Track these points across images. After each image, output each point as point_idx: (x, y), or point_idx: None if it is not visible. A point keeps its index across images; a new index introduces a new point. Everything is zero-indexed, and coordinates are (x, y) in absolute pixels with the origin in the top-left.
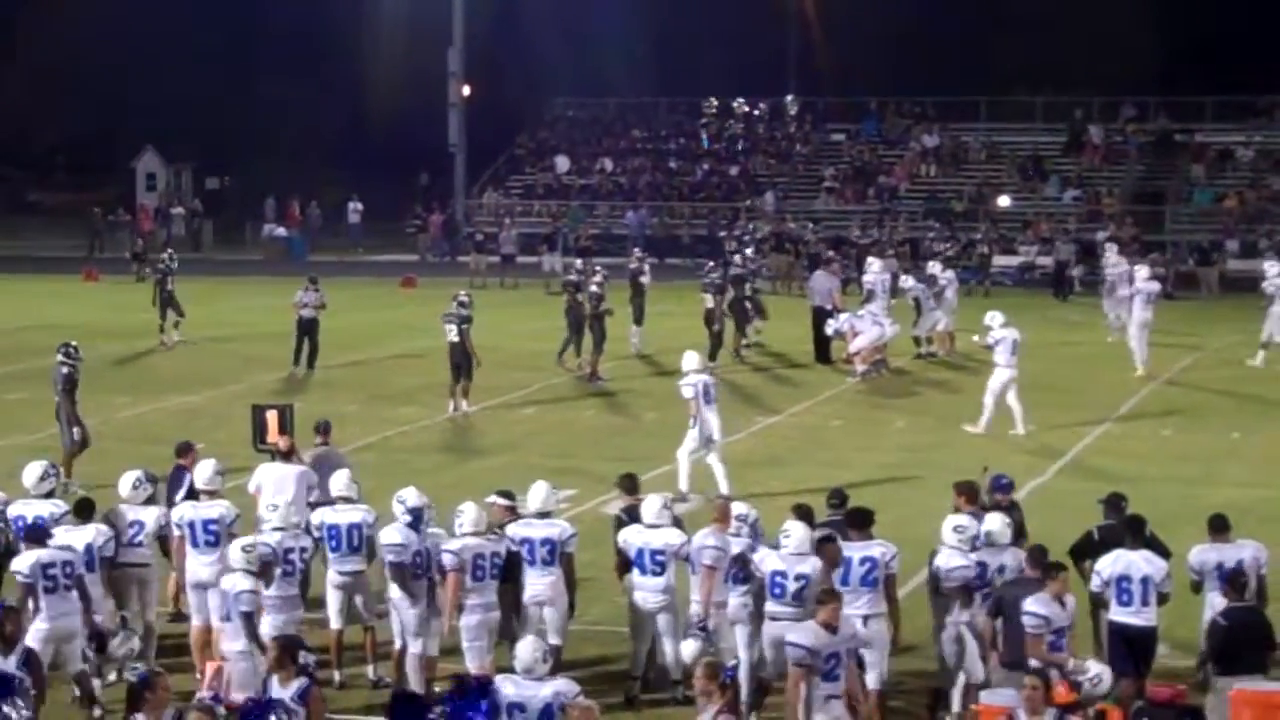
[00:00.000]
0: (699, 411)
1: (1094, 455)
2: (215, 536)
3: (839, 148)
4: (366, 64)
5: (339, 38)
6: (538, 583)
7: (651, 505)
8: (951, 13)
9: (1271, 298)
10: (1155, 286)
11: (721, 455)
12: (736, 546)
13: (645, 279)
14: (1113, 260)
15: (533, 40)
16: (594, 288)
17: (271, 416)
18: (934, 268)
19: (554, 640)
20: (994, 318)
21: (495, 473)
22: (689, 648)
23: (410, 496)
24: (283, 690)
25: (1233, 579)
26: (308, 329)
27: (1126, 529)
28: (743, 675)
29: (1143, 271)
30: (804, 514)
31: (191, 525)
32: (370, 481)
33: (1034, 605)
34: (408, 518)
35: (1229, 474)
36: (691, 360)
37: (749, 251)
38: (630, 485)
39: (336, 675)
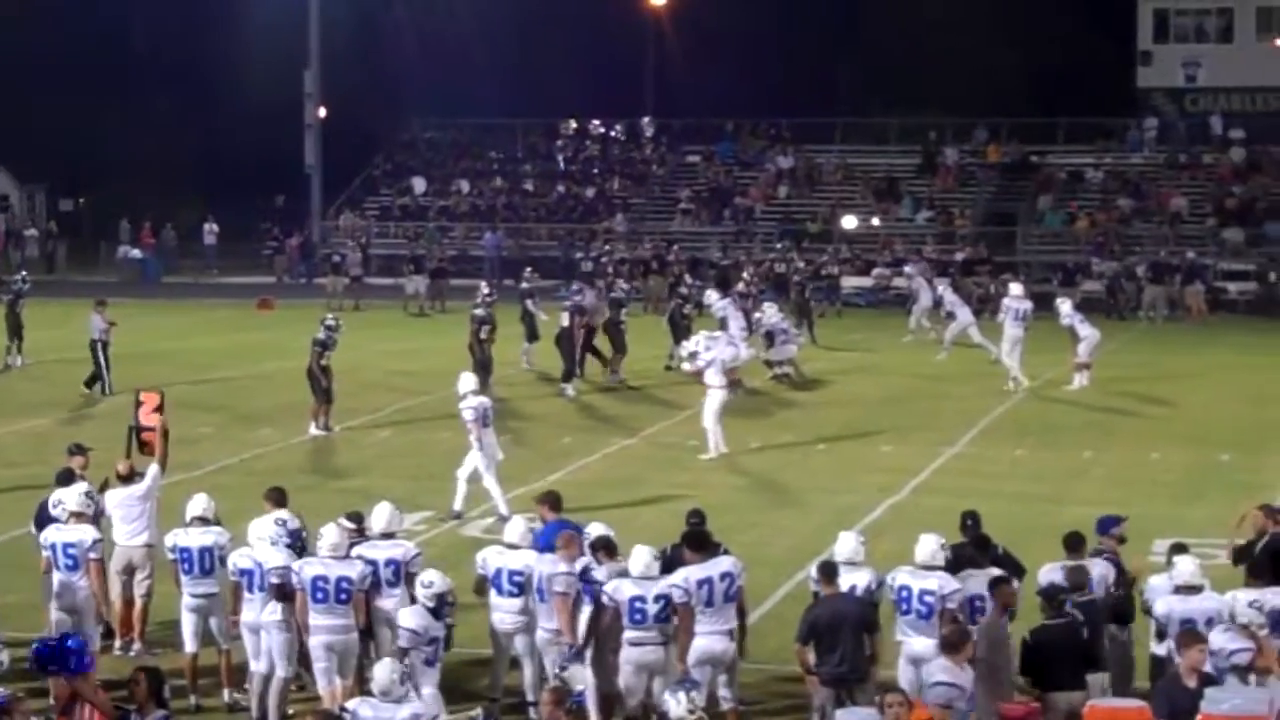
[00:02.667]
0: (479, 434)
1: (948, 474)
2: (74, 560)
3: (695, 169)
4: (223, 85)
5: (195, 58)
6: (383, 604)
7: (515, 527)
8: (807, 35)
9: (1070, 329)
10: (1028, 304)
11: (498, 476)
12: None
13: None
14: (909, 272)
15: (389, 62)
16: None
17: (148, 397)
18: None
19: None
20: (698, 341)
21: (352, 495)
22: (578, 675)
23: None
24: None
25: (1047, 595)
26: (105, 352)
27: (973, 547)
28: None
29: (1015, 289)
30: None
31: (54, 548)
32: (227, 504)
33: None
34: (431, 603)
35: (1080, 493)
36: (469, 382)
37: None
38: (278, 498)
39: (193, 699)
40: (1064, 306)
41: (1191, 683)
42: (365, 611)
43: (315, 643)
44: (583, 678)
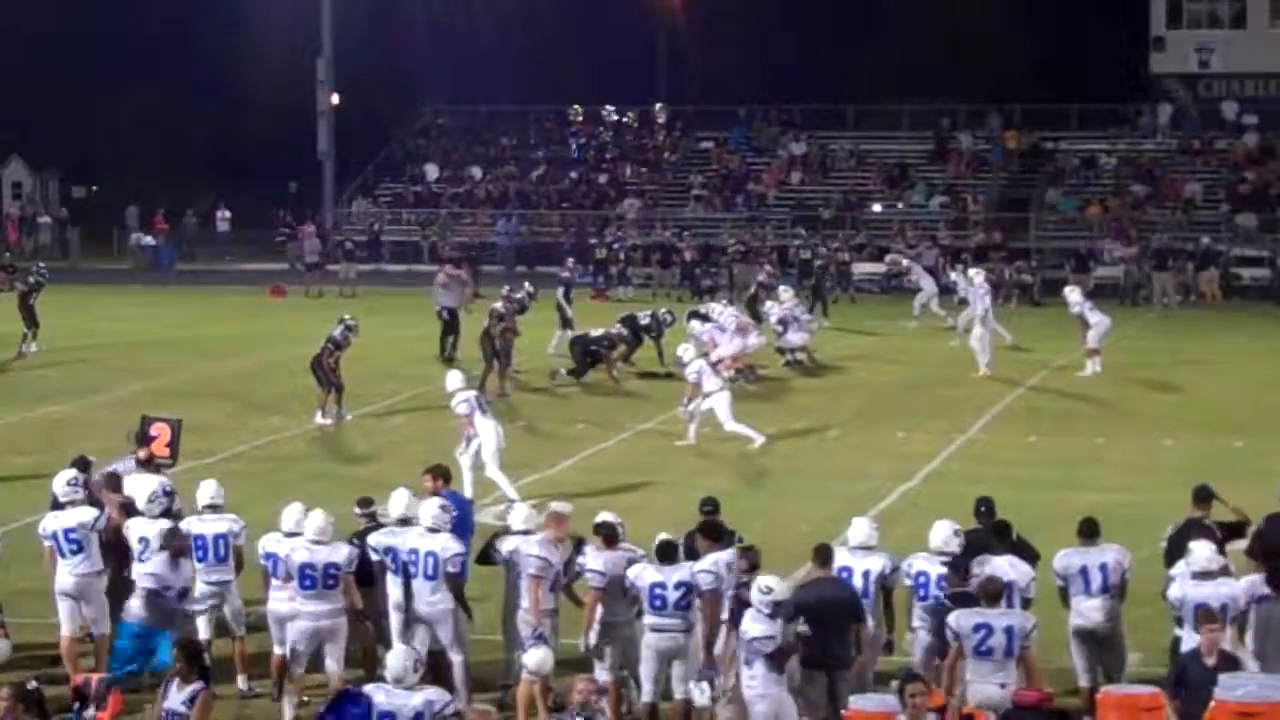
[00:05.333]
0: (475, 425)
1: (962, 461)
2: (78, 544)
3: (707, 155)
4: (236, 72)
5: (208, 45)
6: (396, 591)
7: (519, 513)
8: (819, 21)
9: (1080, 316)
10: (985, 288)
11: (501, 463)
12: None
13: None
14: (906, 265)
15: (401, 49)
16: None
17: (160, 429)
18: (785, 292)
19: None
20: (686, 350)
21: (365, 482)
22: (535, 656)
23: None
24: (179, 694)
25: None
26: None
27: (992, 534)
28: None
29: (978, 275)
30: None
31: (55, 535)
32: (239, 491)
33: None
34: (766, 609)
35: (1093, 479)
36: (456, 380)
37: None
38: (111, 483)
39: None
40: (1073, 295)
41: (1211, 661)
42: (355, 594)
43: (301, 627)
44: (539, 660)
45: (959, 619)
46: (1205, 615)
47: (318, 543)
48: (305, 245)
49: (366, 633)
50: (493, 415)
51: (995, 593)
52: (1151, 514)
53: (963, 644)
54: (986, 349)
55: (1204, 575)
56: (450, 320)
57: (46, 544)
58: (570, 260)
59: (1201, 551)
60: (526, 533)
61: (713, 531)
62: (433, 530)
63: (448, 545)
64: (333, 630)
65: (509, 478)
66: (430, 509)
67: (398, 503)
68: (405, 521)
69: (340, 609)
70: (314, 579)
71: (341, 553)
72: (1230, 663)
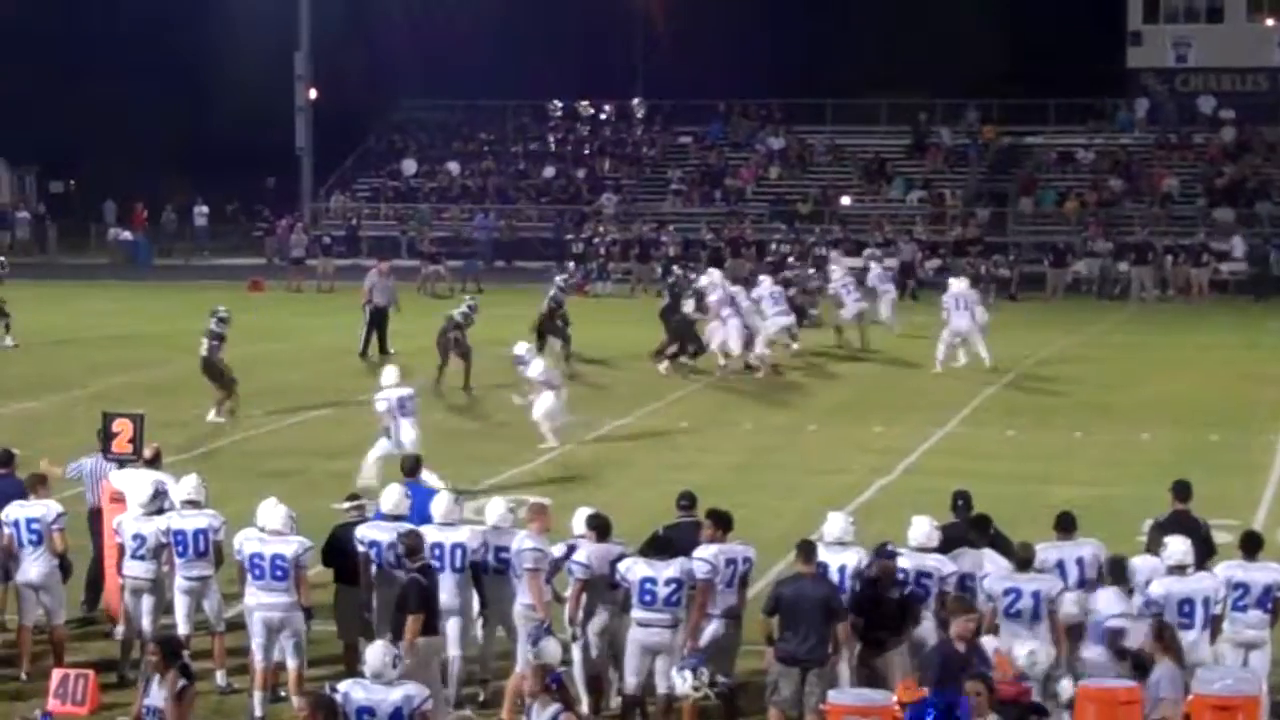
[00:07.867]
0: (392, 423)
1: (940, 455)
2: (38, 536)
3: (686, 150)
4: (213, 66)
5: (185, 39)
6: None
7: (494, 508)
8: (796, 15)
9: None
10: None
11: (385, 457)
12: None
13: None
14: (872, 283)
15: (379, 43)
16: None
17: (123, 425)
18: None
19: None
20: (528, 350)
21: (345, 477)
22: (548, 648)
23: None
24: (160, 690)
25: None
26: None
27: (971, 528)
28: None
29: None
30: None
31: (16, 524)
32: (219, 485)
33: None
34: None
35: (1071, 473)
36: (390, 375)
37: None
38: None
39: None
40: (958, 285)
41: (961, 648)
42: (305, 590)
43: (255, 618)
44: (554, 652)
45: (992, 583)
46: (961, 606)
47: (274, 533)
48: (290, 239)
49: (353, 627)
50: (415, 420)
51: (1028, 559)
52: (1129, 508)
53: (996, 607)
54: (945, 346)
55: (1179, 570)
56: (375, 317)
57: (6, 530)
58: (560, 278)
59: (1177, 546)
60: (496, 529)
61: (726, 522)
62: (448, 524)
63: (472, 538)
64: (284, 623)
65: (500, 473)
66: (440, 505)
67: (389, 498)
68: (397, 518)
69: (293, 603)
70: (261, 569)
71: (291, 546)
72: (981, 656)
